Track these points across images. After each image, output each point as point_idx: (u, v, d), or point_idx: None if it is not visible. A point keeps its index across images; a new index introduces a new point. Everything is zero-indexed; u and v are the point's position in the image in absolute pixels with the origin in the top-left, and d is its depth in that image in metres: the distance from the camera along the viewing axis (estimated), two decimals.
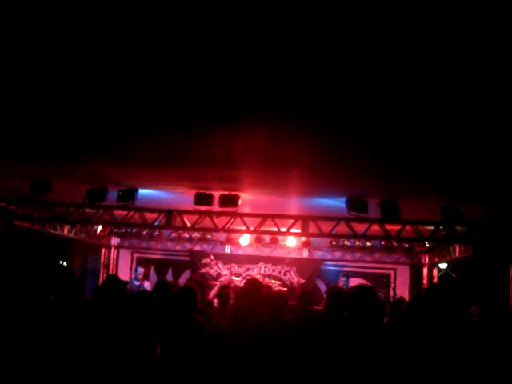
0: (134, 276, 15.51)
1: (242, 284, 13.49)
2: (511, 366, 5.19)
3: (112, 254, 18.36)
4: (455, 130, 6.23)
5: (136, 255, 18.08)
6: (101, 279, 17.46)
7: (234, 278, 16.19)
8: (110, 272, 18.02)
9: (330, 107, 5.71)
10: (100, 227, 16.51)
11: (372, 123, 6.14)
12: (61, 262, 18.67)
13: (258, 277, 16.06)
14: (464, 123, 5.95)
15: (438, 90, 5.09)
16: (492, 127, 6.04)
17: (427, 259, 16.94)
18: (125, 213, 11.87)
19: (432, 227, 11.36)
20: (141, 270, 15.20)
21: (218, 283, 15.17)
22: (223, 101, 5.73)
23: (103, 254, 18.31)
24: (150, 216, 12.02)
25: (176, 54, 4.66)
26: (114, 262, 18.35)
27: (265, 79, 5.06)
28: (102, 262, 18.24)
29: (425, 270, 17.01)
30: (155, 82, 5.35)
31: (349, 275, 16.20)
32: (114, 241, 18.32)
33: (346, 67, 4.70)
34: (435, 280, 16.74)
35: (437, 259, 16.35)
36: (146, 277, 16.45)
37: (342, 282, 15.57)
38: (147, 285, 14.73)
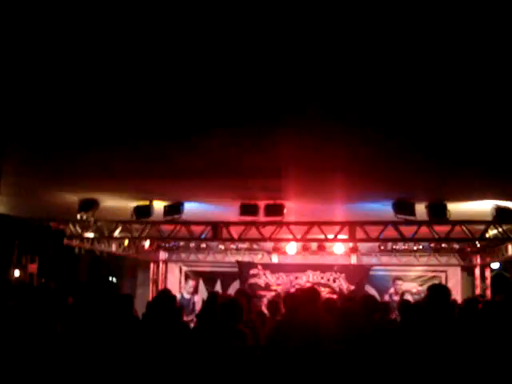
0: (184, 290, 15.62)
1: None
2: None
3: (160, 269, 18.50)
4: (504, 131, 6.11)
5: (184, 269, 18.18)
6: (150, 294, 17.61)
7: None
8: (160, 287, 18.17)
9: (376, 111, 5.65)
10: (148, 242, 16.67)
11: (419, 124, 6.05)
12: (110, 278, 18.95)
13: (306, 285, 16.00)
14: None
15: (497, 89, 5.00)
16: None
17: (479, 260, 16.60)
18: (171, 227, 11.97)
19: (482, 227, 11.15)
20: (191, 283, 15.28)
21: (267, 293, 15.18)
22: (265, 110, 5.72)
23: (152, 269, 18.47)
24: (196, 229, 12.09)
25: (223, 57, 4.66)
26: (163, 277, 18.48)
27: (310, 84, 5.02)
28: (151, 276, 18.40)
29: (477, 271, 16.67)
30: (199, 90, 5.36)
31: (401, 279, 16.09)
32: (162, 255, 18.46)
33: (390, 68, 4.64)
34: (488, 281, 16.42)
35: (488, 259, 16.01)
36: (196, 290, 16.55)
37: (395, 286, 15.47)
38: (197, 298, 14.80)
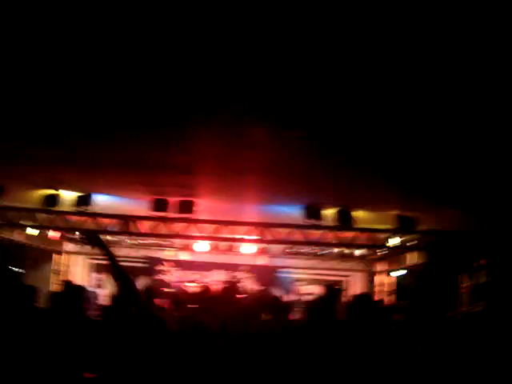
0: (90, 282, 15.32)
1: (196, 290, 13.39)
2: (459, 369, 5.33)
3: (65, 260, 18.02)
4: (409, 142, 6.36)
5: (89, 261, 17.80)
6: (51, 285, 17.11)
7: (187, 284, 16.11)
8: (62, 278, 17.70)
9: (290, 115, 5.75)
10: (52, 232, 16.20)
11: (329, 132, 6.21)
12: (12, 267, 18.27)
13: (212, 283, 16.06)
14: (417, 132, 6.07)
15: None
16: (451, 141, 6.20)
17: (381, 266, 17.15)
18: (79, 218, 11.71)
19: (386, 235, 11.56)
20: (98, 276, 14.99)
21: (171, 290, 15.09)
22: (180, 105, 5.71)
23: (55, 260, 17.95)
24: (105, 222, 11.89)
25: (134, 58, 4.63)
26: (67, 269, 18.02)
27: (223, 85, 5.07)
28: (53, 267, 17.88)
29: (378, 278, 17.22)
30: (110, 87, 5.30)
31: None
32: (68, 247, 17.99)
33: (305, 74, 4.74)
34: (385, 287, 16.99)
35: (388, 267, 16.58)
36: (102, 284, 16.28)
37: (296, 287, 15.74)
38: (102, 292, 14.53)
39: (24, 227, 13.70)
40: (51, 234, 16.16)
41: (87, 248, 17.53)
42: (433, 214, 10.30)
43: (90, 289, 14.46)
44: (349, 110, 5.51)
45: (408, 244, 11.73)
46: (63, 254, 17.95)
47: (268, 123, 6.14)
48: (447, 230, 11.12)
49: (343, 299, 15.91)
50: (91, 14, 3.93)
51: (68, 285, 7.29)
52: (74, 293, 6.23)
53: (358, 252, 15.91)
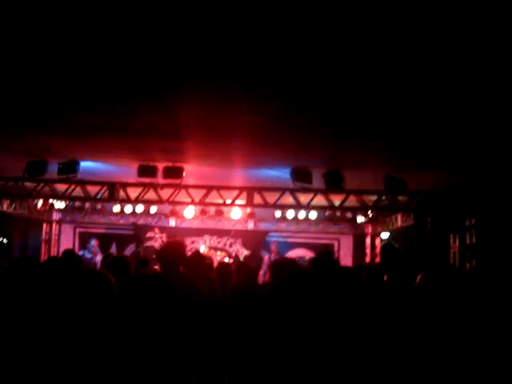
0: (85, 249, 15.32)
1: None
2: (452, 330, 5.34)
3: (54, 230, 17.99)
4: (398, 100, 6.30)
5: (78, 230, 17.77)
6: (42, 255, 17.11)
7: None
8: (52, 248, 17.69)
9: (276, 77, 5.66)
10: (40, 201, 16.13)
11: (315, 92, 6.13)
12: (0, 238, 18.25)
13: (203, 249, 16.11)
14: (406, 90, 6.01)
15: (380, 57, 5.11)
16: (437, 96, 6.14)
17: (370, 229, 17.26)
18: (66, 186, 11.63)
19: (375, 197, 11.56)
20: (94, 242, 14.95)
21: None
22: (167, 68, 5.61)
23: (44, 229, 17.92)
24: (92, 189, 11.82)
25: (118, 20, 4.51)
26: (56, 238, 17.99)
27: (210, 47, 4.97)
28: (43, 237, 17.86)
29: (368, 240, 17.33)
30: (96, 48, 5.19)
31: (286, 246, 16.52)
32: (56, 216, 17.93)
33: (289, 35, 4.65)
34: (377, 249, 17.12)
35: (379, 229, 16.69)
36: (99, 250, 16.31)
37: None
38: (99, 258, 14.51)
39: (10, 197, 13.63)
40: (39, 203, 16.10)
41: (75, 216, 17.53)
42: (421, 175, 10.29)
43: (87, 255, 14.53)
44: (333, 67, 5.42)
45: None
46: (53, 222, 17.90)
47: (251, 89, 6.06)
48: (436, 190, 11.14)
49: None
50: None
51: (66, 253, 7.28)
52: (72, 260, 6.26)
53: (348, 214, 15.99)
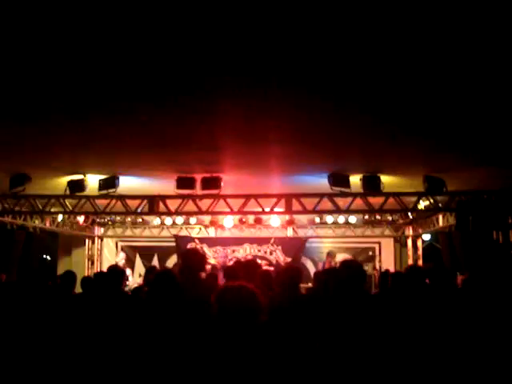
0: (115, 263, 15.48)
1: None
2: (498, 329, 5.27)
3: (96, 245, 18.25)
4: (436, 99, 6.24)
5: (120, 244, 18.00)
6: (86, 271, 17.37)
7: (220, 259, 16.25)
8: (96, 263, 17.94)
9: (310, 81, 5.66)
10: (82, 218, 16.40)
11: (351, 95, 6.12)
12: (44, 255, 18.57)
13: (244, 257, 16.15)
14: (443, 90, 5.95)
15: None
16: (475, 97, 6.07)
17: (411, 231, 17.08)
18: (107, 201, 11.80)
19: (415, 198, 11.46)
20: (123, 255, 15.10)
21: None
22: (201, 79, 5.66)
23: (87, 245, 18.19)
24: (132, 203, 11.96)
25: (159, 33, 4.58)
26: (99, 253, 18.24)
27: (241, 54, 5.00)
28: (86, 252, 18.13)
29: (409, 242, 17.15)
30: (133, 63, 5.27)
31: (333, 252, 16.29)
32: (98, 231, 18.20)
33: (320, 36, 4.66)
34: (420, 251, 16.94)
35: (420, 230, 16.51)
36: (132, 264, 16.47)
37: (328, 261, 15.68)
38: (129, 272, 14.66)
39: (53, 214, 13.87)
40: (81, 219, 16.38)
41: (117, 231, 17.78)
42: (460, 174, 10.17)
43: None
44: (371, 68, 5.40)
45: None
46: (96, 238, 18.17)
47: (288, 92, 6.06)
48: (477, 190, 10.98)
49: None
50: None
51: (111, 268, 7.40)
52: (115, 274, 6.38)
53: (388, 217, 15.88)
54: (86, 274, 15.71)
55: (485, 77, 5.57)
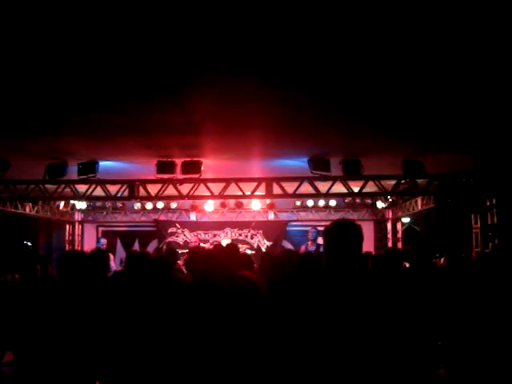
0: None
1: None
2: (478, 310, 5.36)
3: (76, 230, 18.17)
4: (412, 81, 6.28)
5: (101, 229, 17.93)
6: None
7: (202, 244, 16.23)
8: (76, 248, 17.87)
9: (287, 65, 5.68)
10: (62, 203, 16.31)
11: (329, 78, 6.14)
12: (24, 241, 18.46)
13: (225, 242, 16.16)
14: (420, 72, 5.99)
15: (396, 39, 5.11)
16: (450, 80, 6.12)
17: (390, 214, 17.22)
18: (87, 186, 11.74)
19: (394, 181, 11.55)
20: (103, 240, 15.02)
21: (186, 251, 15.21)
22: (178, 64, 5.66)
23: (67, 230, 18.12)
24: (112, 188, 11.92)
25: (130, 17, 4.56)
26: (79, 238, 18.18)
27: (217, 39, 5.00)
28: (66, 238, 18.07)
29: (389, 225, 17.29)
30: (109, 51, 5.25)
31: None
32: (78, 216, 18.12)
33: (297, 21, 4.67)
34: (399, 234, 17.09)
35: (400, 213, 16.64)
36: (113, 250, 16.39)
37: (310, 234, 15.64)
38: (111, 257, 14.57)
39: (33, 200, 13.79)
40: (61, 205, 16.30)
41: (97, 216, 17.72)
42: (438, 157, 10.24)
43: None
44: (344, 53, 5.43)
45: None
46: (76, 223, 18.09)
47: (268, 76, 6.07)
48: (455, 172, 11.09)
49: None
50: None
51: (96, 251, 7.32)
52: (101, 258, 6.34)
53: (368, 201, 15.97)
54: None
55: (461, 62, 5.63)
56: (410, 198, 14.88)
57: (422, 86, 6.42)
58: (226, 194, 11.90)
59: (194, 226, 17.14)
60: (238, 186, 11.59)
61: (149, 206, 16.33)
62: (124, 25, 4.71)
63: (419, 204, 14.68)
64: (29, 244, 18.66)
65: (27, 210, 15.21)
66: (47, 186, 11.73)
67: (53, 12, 4.44)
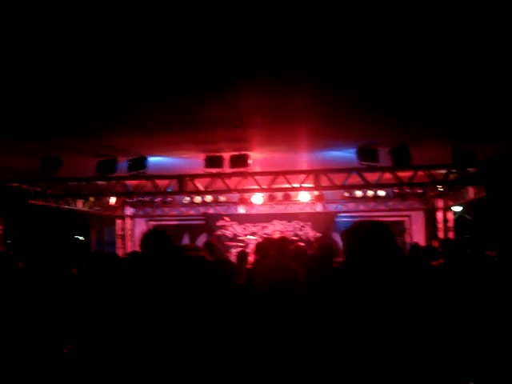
0: None
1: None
2: None
3: (127, 224, 18.48)
4: (461, 71, 6.17)
5: (151, 223, 18.19)
6: (118, 250, 17.62)
7: (249, 237, 16.31)
8: (127, 242, 18.18)
9: (335, 59, 5.65)
10: (113, 198, 16.60)
11: (380, 73, 6.08)
12: (76, 236, 18.89)
13: (275, 234, 16.19)
14: (469, 64, 5.88)
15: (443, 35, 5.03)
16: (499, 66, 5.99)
17: (441, 203, 16.93)
18: (137, 182, 11.91)
19: (444, 171, 11.32)
20: None
21: (234, 243, 15.33)
22: (228, 61, 5.68)
23: (118, 225, 18.44)
24: (161, 183, 12.07)
25: (184, 17, 4.60)
26: (130, 232, 18.48)
27: (267, 37, 5.00)
28: (117, 232, 18.39)
29: (439, 215, 17.01)
30: (164, 49, 5.31)
31: None
32: (128, 211, 18.42)
33: (346, 20, 4.64)
34: (450, 223, 16.80)
35: (451, 202, 16.36)
36: None
37: None
38: None
39: (84, 196, 14.07)
40: (112, 200, 16.58)
41: (147, 210, 17.98)
42: (490, 145, 10.01)
43: None
44: (392, 44, 5.37)
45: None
46: (126, 218, 18.40)
47: (314, 71, 6.06)
48: (508, 160, 10.81)
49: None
50: None
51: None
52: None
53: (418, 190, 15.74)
54: (119, 253, 15.93)
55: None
56: (461, 187, 14.58)
57: (470, 71, 6.30)
58: (273, 186, 11.91)
59: (242, 219, 17.24)
60: (285, 178, 11.57)
61: (197, 199, 16.47)
62: (178, 24, 4.76)
63: (470, 193, 14.38)
64: (81, 238, 19.09)
65: (79, 206, 15.53)
66: (98, 182, 11.95)
67: (117, 9, 4.51)
